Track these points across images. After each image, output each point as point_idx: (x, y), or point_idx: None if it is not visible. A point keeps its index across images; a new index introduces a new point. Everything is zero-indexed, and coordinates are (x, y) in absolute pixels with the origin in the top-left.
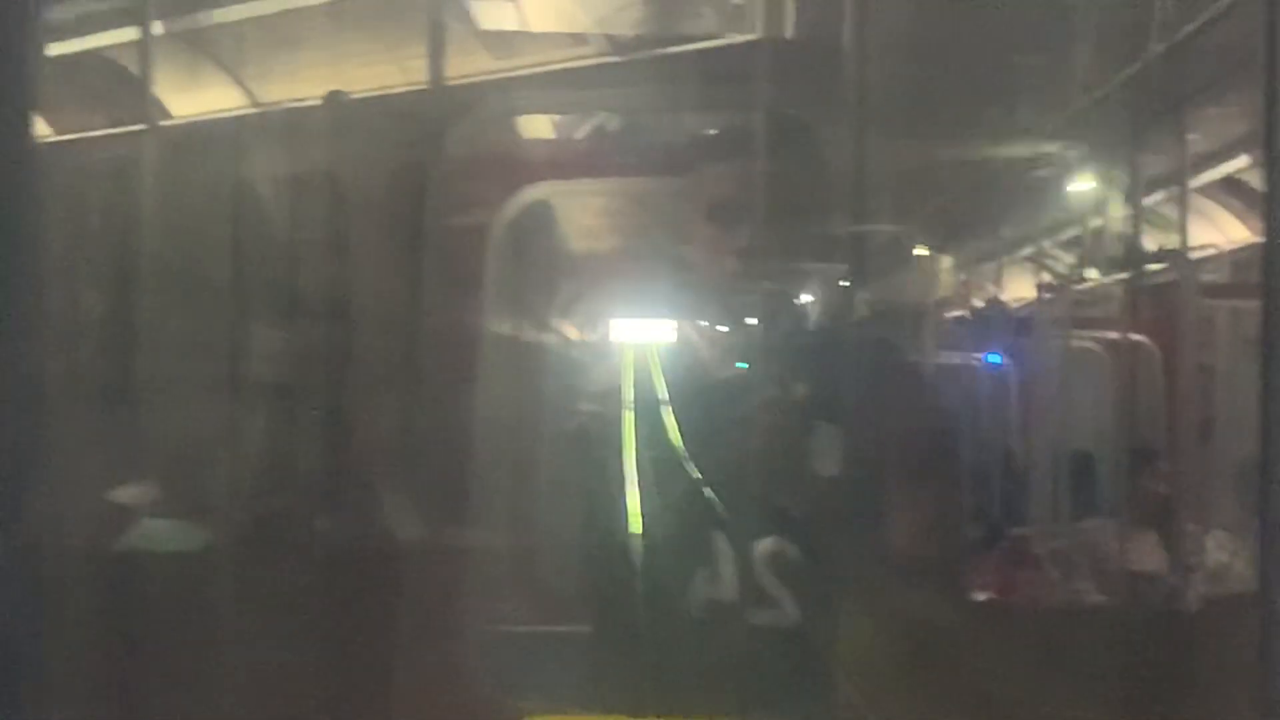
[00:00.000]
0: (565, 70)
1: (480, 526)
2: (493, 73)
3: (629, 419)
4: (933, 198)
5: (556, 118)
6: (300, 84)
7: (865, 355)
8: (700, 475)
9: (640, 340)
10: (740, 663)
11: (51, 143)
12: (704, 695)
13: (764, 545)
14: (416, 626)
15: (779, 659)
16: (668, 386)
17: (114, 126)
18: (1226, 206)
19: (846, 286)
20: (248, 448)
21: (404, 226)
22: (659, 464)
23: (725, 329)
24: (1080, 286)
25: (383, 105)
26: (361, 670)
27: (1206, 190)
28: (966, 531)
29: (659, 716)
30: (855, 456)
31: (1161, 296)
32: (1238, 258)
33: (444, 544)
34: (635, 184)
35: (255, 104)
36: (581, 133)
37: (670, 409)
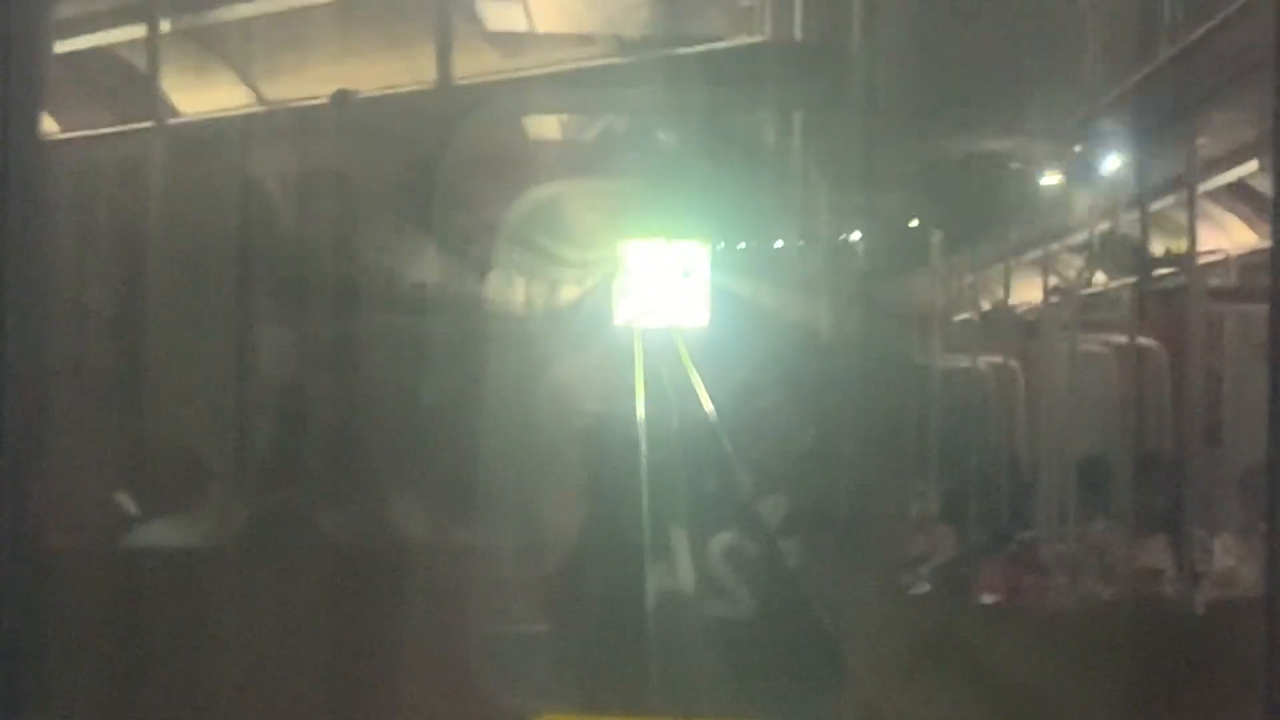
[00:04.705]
0: (573, 70)
1: (490, 525)
2: (501, 72)
3: (641, 411)
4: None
5: (564, 118)
6: (308, 82)
7: (875, 358)
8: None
9: (665, 326)
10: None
11: (59, 139)
12: (710, 692)
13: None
14: (416, 623)
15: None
16: (693, 375)
17: (122, 124)
18: (1234, 212)
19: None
20: (253, 445)
21: (410, 224)
22: (673, 455)
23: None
24: (1088, 290)
25: (391, 104)
26: (364, 667)
27: (1215, 195)
28: (975, 535)
29: (659, 716)
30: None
31: (1170, 301)
32: (1246, 263)
33: (448, 541)
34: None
35: (263, 102)
36: (590, 133)
37: (691, 399)
